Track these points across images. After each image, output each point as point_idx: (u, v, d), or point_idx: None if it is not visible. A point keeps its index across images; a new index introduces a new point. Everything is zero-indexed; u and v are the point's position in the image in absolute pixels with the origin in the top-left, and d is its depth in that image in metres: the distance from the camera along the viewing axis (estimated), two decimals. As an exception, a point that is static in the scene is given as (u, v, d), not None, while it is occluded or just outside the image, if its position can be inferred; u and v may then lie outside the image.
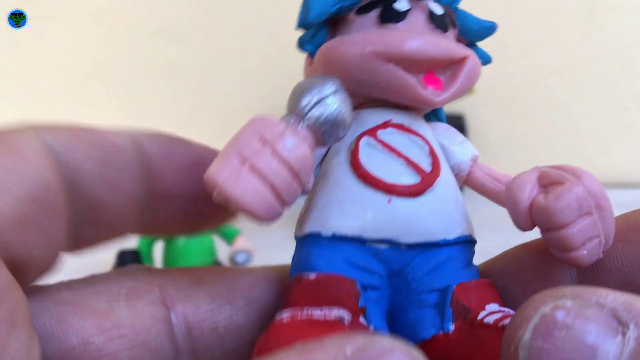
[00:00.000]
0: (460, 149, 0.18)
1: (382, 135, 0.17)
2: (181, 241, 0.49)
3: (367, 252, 0.16)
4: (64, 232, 0.15)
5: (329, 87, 0.16)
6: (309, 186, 0.18)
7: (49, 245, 0.15)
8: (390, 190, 0.16)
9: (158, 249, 0.50)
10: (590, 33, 0.71)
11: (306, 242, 0.17)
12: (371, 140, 0.17)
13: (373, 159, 0.16)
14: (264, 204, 0.15)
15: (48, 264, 0.16)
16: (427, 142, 0.17)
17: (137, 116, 0.77)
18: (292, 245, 0.65)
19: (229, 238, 0.52)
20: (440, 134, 0.18)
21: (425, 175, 0.16)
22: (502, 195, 0.17)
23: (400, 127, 0.17)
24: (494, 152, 0.75)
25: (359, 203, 0.16)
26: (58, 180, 0.14)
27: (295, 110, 0.16)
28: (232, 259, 0.52)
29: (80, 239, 0.17)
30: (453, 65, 0.17)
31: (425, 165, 0.17)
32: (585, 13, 0.70)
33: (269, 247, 0.61)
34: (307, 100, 0.15)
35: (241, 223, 0.61)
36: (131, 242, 0.52)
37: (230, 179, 0.14)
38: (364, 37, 0.16)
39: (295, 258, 0.17)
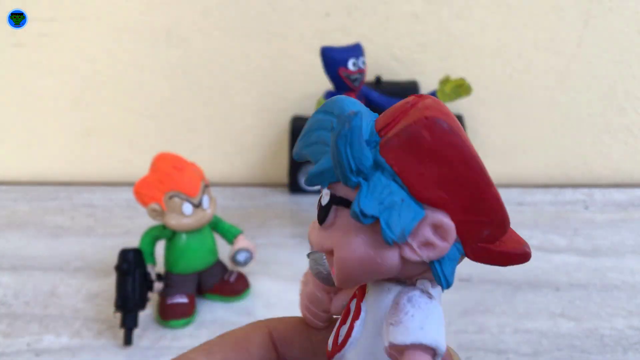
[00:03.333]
0: (387, 329, 0.17)
1: (353, 302, 0.19)
2: (183, 240, 0.50)
3: None
4: None
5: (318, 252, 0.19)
6: (333, 312, 0.22)
7: None
8: (328, 355, 0.20)
9: (160, 248, 0.51)
10: (588, 34, 0.72)
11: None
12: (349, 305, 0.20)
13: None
14: (308, 319, 0.22)
15: None
16: (356, 314, 0.19)
17: (138, 117, 0.77)
18: (292, 244, 0.66)
19: (230, 237, 0.53)
20: (390, 307, 0.18)
21: (334, 346, 0.19)
22: None
23: (356, 295, 0.19)
24: (492, 152, 0.76)
25: None
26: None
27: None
28: (233, 258, 0.52)
29: None
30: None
31: (342, 336, 0.19)
32: (582, 14, 0.71)
33: (269, 246, 0.61)
34: (309, 255, 0.20)
35: (241, 223, 0.60)
36: (134, 241, 0.52)
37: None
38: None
39: None
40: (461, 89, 0.56)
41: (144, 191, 0.47)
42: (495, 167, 0.76)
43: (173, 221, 0.48)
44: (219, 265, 0.53)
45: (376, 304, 0.18)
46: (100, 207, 0.72)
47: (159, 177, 0.48)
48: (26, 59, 0.75)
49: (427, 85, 0.72)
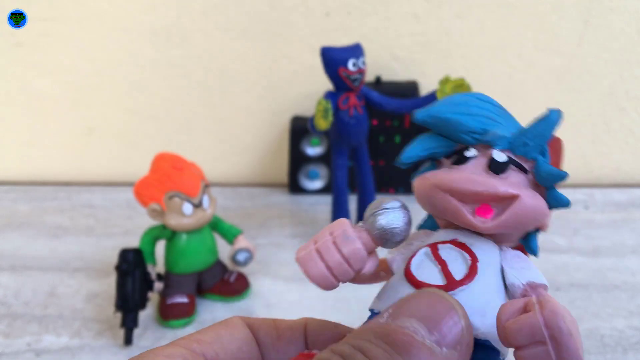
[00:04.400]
0: (516, 272, 0.21)
1: (440, 248, 0.21)
2: (183, 240, 0.50)
3: None
4: None
5: (389, 205, 0.22)
6: (365, 272, 0.22)
7: None
8: (418, 285, 0.20)
9: (160, 248, 0.51)
10: (588, 34, 0.72)
11: (369, 316, 0.22)
12: (428, 250, 0.22)
13: (420, 264, 0.21)
14: (320, 276, 0.22)
15: None
16: (474, 258, 0.21)
17: (139, 117, 0.77)
18: (291, 244, 0.66)
19: (230, 237, 0.53)
20: (505, 258, 0.22)
21: (451, 281, 0.20)
22: None
23: (460, 244, 0.21)
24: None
25: (396, 291, 0.21)
26: (252, 339, 0.23)
27: (364, 218, 0.22)
28: (233, 258, 0.52)
29: None
30: (505, 201, 0.21)
31: (458, 274, 0.20)
32: (582, 14, 0.71)
33: (269, 246, 0.61)
34: (371, 210, 0.22)
35: (241, 223, 0.60)
36: (134, 241, 0.52)
37: (304, 257, 0.22)
38: (433, 174, 0.22)
39: None
40: (461, 89, 0.56)
41: (144, 191, 0.47)
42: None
43: (173, 221, 0.48)
44: (219, 265, 0.52)
45: (486, 254, 0.21)
46: (100, 207, 0.72)
47: (159, 177, 0.48)
48: (26, 59, 0.75)
49: (427, 85, 0.72)
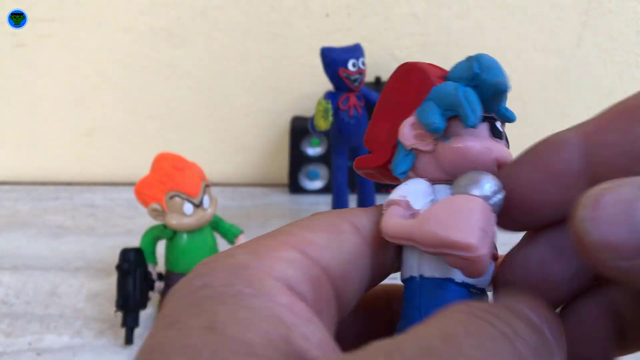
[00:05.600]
0: None
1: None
2: (184, 240, 0.50)
3: None
4: (367, 281, 0.19)
5: (499, 183, 0.20)
6: None
7: (360, 281, 0.19)
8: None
9: (161, 248, 0.51)
10: (587, 34, 0.72)
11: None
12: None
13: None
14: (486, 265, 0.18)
15: (355, 300, 0.19)
16: None
17: (139, 117, 0.77)
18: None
19: (231, 237, 0.53)
20: None
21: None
22: None
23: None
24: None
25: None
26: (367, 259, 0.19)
27: (481, 194, 0.19)
28: (234, 258, 0.52)
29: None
30: None
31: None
32: (581, 14, 0.71)
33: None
34: (493, 189, 0.19)
35: (242, 223, 0.60)
36: (135, 240, 0.53)
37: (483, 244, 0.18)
38: (490, 147, 0.20)
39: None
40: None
41: (144, 191, 0.48)
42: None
43: (174, 221, 0.48)
44: (220, 264, 0.53)
45: None
46: (101, 207, 0.72)
47: (160, 177, 0.48)
48: (27, 59, 0.75)
49: (427, 85, 0.72)
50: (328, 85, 0.59)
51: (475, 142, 0.20)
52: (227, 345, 0.13)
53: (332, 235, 0.18)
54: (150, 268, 0.48)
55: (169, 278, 0.50)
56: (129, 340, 0.46)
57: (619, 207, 0.13)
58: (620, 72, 0.73)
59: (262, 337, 0.14)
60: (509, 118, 0.21)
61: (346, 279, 0.18)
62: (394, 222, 0.19)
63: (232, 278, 0.15)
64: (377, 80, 0.71)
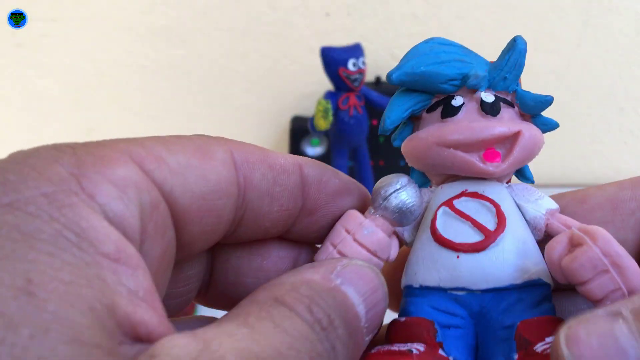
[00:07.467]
0: (533, 205, 0.21)
1: (456, 203, 0.21)
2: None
3: (448, 298, 0.20)
4: (226, 225, 0.18)
5: (397, 184, 0.20)
6: (392, 258, 0.21)
7: (216, 223, 0.17)
8: (457, 248, 0.20)
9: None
10: (587, 34, 0.72)
11: (404, 292, 0.21)
12: (447, 209, 0.21)
13: (446, 225, 0.20)
14: None
15: (205, 243, 0.18)
16: (495, 204, 0.20)
17: (139, 117, 0.77)
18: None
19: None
20: (517, 194, 0.22)
21: (488, 234, 0.20)
22: None
23: (473, 194, 0.21)
24: (492, 152, 0.76)
25: (435, 260, 0.20)
26: (234, 184, 0.18)
27: (374, 204, 0.21)
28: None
29: (234, 234, 0.19)
30: (509, 139, 0.20)
31: (490, 224, 0.20)
32: (582, 14, 0.71)
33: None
34: (381, 195, 0.20)
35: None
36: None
37: None
38: (427, 132, 0.21)
39: (400, 305, 0.21)
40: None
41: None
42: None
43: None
44: (219, 265, 0.53)
45: (500, 195, 0.21)
46: (100, 207, 0.72)
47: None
48: (27, 59, 0.75)
49: (427, 85, 0.72)
50: (328, 85, 0.59)
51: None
52: (51, 327, 0.11)
53: (194, 160, 0.16)
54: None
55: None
56: (128, 340, 0.46)
57: (599, 341, 0.14)
58: (621, 71, 0.73)
59: (86, 314, 0.12)
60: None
61: (197, 215, 0.16)
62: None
63: (49, 207, 0.13)
64: (377, 80, 0.71)
